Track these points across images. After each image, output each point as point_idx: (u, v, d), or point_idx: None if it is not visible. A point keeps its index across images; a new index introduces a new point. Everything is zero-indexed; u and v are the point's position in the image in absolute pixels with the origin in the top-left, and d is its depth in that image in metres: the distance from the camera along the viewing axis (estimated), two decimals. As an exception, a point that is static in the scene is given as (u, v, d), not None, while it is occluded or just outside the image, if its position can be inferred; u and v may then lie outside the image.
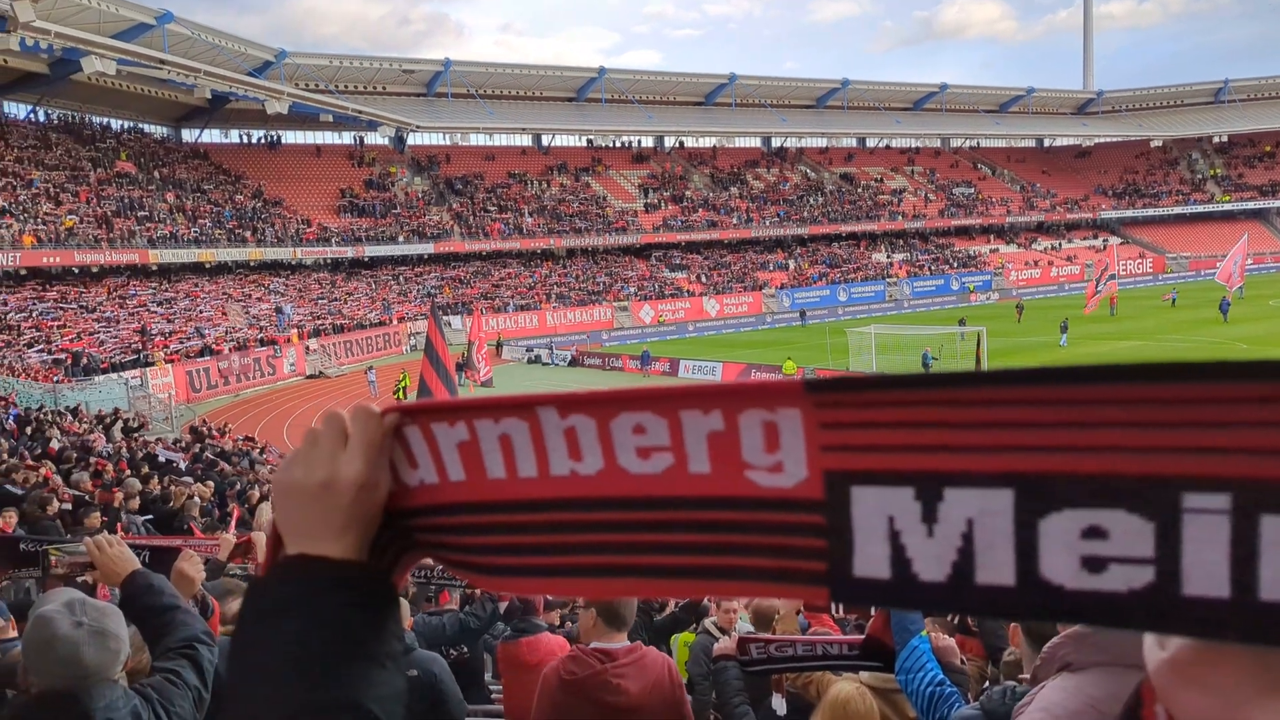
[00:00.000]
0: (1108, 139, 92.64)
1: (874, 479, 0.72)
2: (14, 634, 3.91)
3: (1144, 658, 0.77)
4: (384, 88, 67.65)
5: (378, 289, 56.78)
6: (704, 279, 65.78)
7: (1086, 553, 0.65)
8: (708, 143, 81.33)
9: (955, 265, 72.78)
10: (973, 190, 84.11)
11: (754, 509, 0.76)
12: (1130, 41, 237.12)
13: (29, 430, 17.06)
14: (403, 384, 36.72)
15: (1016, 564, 0.67)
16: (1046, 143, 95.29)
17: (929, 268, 72.08)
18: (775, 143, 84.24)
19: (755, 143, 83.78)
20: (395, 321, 52.96)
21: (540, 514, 0.82)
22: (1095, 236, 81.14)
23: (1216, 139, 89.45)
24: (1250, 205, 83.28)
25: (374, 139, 67.17)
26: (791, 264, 70.47)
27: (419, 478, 0.87)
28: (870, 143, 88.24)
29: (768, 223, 73.19)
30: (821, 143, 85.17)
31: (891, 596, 0.72)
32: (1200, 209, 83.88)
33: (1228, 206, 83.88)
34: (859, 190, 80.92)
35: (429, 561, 1.21)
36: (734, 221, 72.25)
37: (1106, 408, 0.65)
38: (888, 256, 73.76)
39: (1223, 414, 0.62)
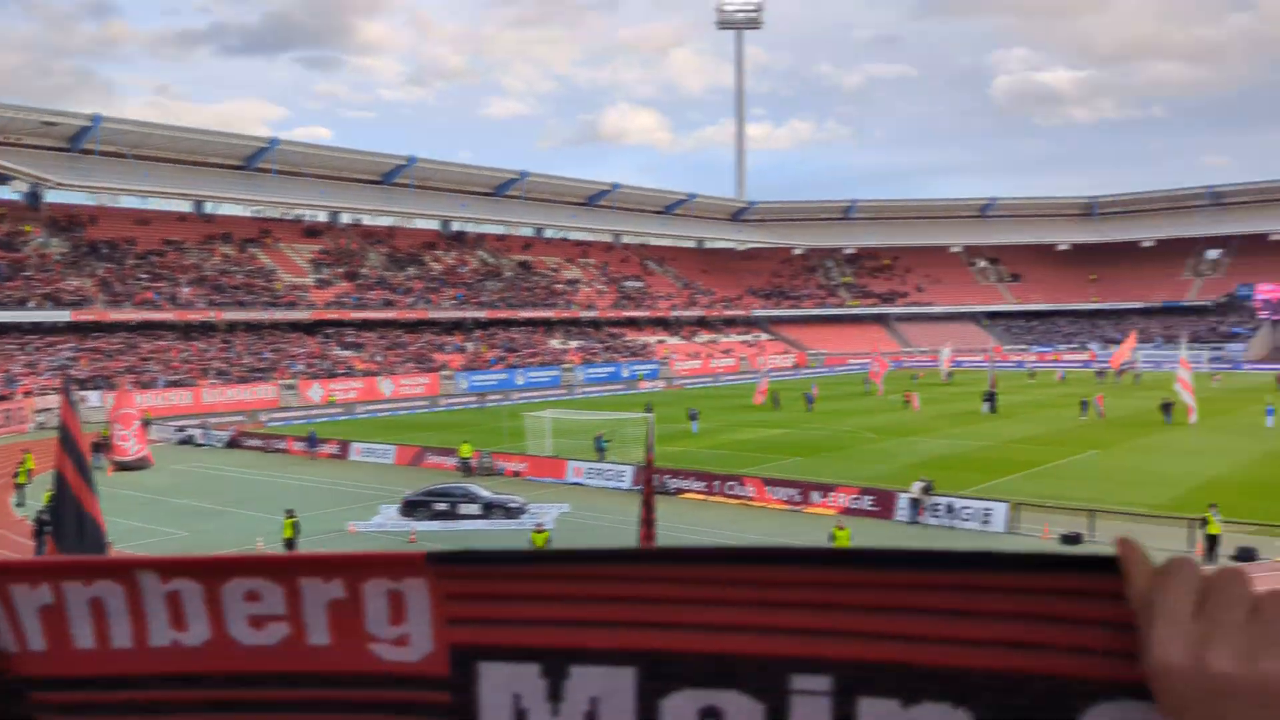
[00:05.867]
0: (758, 244, 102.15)
1: (501, 654, 0.70)
2: None
3: None
4: (18, 139, 60.77)
5: (1, 360, 50.11)
6: (379, 359, 64.27)
7: None
8: (385, 222, 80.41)
9: (626, 354, 76.45)
10: (641, 284, 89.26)
11: (377, 686, 0.71)
12: (770, 161, 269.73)
13: None
14: (25, 467, 32.62)
15: None
16: (707, 244, 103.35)
17: (601, 355, 75.16)
18: (454, 226, 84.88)
19: (434, 225, 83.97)
20: (20, 396, 46.88)
21: (136, 692, 0.71)
22: (748, 332, 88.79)
23: (846, 250, 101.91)
24: (874, 310, 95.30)
25: (3, 193, 59.92)
26: (469, 346, 70.72)
27: None
28: (548, 233, 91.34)
29: (446, 304, 73.16)
30: (500, 230, 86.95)
31: None
32: (834, 311, 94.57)
33: (855, 310, 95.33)
34: (536, 278, 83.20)
35: None
36: (410, 301, 71.54)
37: (723, 587, 0.66)
38: (563, 343, 76.08)
39: (826, 597, 0.65)
